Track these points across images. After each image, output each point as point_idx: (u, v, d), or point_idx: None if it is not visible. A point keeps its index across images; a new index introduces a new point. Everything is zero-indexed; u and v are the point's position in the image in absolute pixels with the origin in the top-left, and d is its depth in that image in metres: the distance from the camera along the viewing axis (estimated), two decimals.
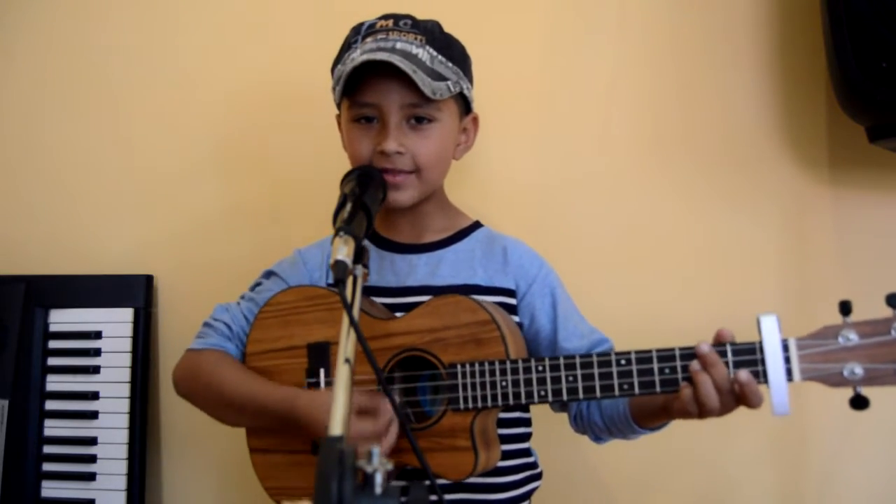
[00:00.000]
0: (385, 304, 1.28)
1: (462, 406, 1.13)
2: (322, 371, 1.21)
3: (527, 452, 1.32)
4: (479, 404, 1.13)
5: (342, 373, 0.83)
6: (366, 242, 1.06)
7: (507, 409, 1.21)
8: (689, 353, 1.06)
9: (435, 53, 1.23)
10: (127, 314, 1.72)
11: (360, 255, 1.02)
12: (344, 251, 0.97)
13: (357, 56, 1.20)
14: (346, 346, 0.87)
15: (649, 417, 1.20)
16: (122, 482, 1.66)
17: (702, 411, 1.06)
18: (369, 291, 1.28)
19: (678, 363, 1.07)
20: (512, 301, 1.29)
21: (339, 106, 1.31)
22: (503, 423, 1.25)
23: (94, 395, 1.69)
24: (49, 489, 1.68)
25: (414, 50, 1.22)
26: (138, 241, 1.82)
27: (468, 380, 1.13)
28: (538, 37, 1.67)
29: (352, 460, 0.65)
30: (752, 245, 1.57)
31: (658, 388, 1.08)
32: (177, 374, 1.32)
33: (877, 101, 1.34)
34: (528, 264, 1.31)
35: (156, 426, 1.76)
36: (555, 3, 1.66)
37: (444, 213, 1.36)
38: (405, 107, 1.22)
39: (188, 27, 1.82)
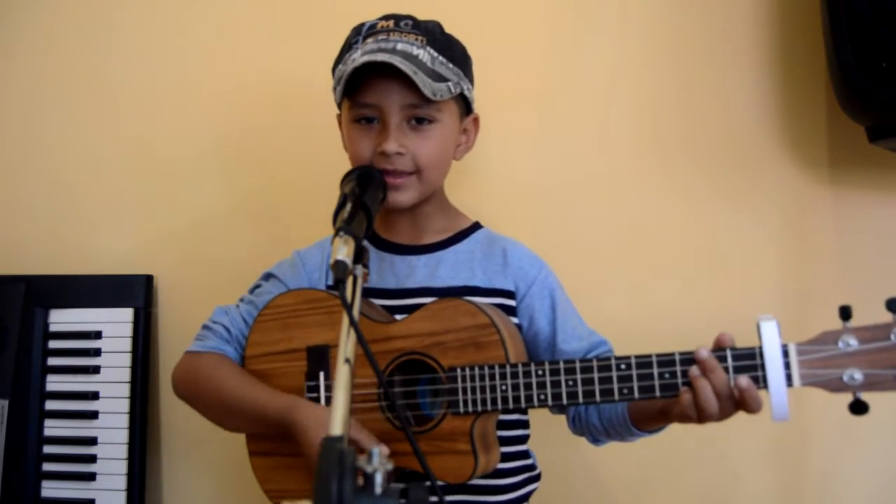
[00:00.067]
0: (384, 306, 1.28)
1: (462, 410, 1.13)
2: (321, 374, 1.20)
3: (525, 454, 1.32)
4: (479, 408, 1.13)
5: (342, 373, 0.83)
6: (365, 243, 1.06)
7: (506, 412, 1.21)
8: (689, 359, 1.06)
9: (436, 54, 1.23)
10: (127, 314, 1.72)
11: (360, 255, 1.02)
12: (344, 251, 0.97)
13: (358, 56, 1.20)
14: (347, 346, 0.87)
15: (648, 420, 1.20)
16: (122, 482, 1.66)
17: (701, 416, 1.06)
18: (369, 293, 1.28)
19: (678, 368, 1.07)
20: (511, 303, 1.29)
21: (339, 106, 1.31)
22: (502, 425, 1.25)
23: (94, 395, 1.69)
24: (49, 489, 1.68)
25: (415, 51, 1.22)
26: (138, 240, 1.82)
27: (468, 383, 1.13)
28: (538, 37, 1.67)
29: (352, 460, 0.65)
30: (752, 245, 1.57)
31: (658, 393, 1.07)
32: (176, 377, 1.32)
33: (877, 101, 1.34)
34: (527, 266, 1.31)
35: (156, 426, 1.76)
36: (555, 3, 1.66)
37: (443, 214, 1.36)
38: (406, 107, 1.22)
39: (188, 27, 1.82)
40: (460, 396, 1.13)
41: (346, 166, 1.25)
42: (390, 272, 1.31)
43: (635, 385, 1.08)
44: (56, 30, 1.88)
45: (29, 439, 1.68)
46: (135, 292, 1.73)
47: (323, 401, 1.20)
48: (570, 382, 1.10)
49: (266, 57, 1.77)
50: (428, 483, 0.80)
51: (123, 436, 1.67)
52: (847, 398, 1.01)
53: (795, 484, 1.54)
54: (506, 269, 1.30)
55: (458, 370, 1.14)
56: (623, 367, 1.08)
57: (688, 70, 1.61)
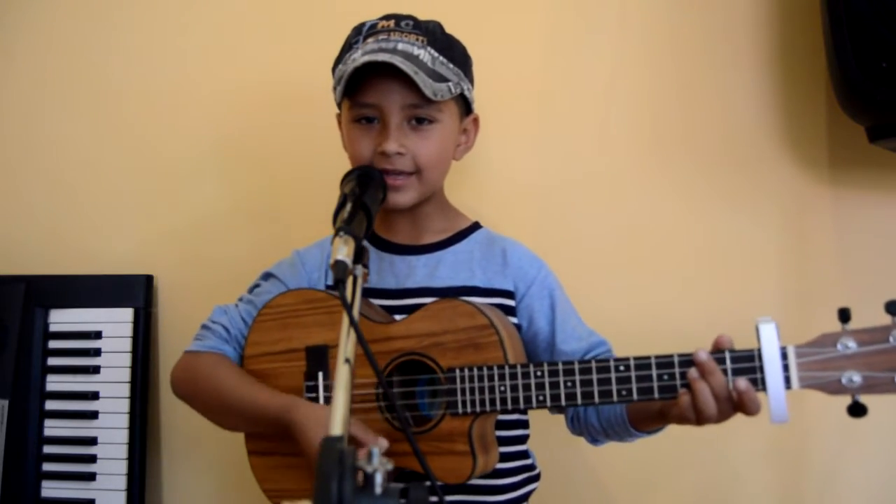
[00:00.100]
0: (384, 306, 1.28)
1: (460, 410, 1.13)
2: (320, 374, 1.20)
3: (525, 454, 1.32)
4: (478, 409, 1.12)
5: (342, 373, 0.83)
6: (365, 243, 1.06)
7: (505, 412, 1.21)
8: (688, 360, 1.06)
9: (436, 54, 1.23)
10: (127, 314, 1.72)
11: (360, 255, 1.02)
12: (344, 251, 0.97)
13: (358, 56, 1.20)
14: (346, 346, 0.87)
15: (646, 421, 1.20)
16: (122, 482, 1.66)
17: (699, 418, 1.06)
18: (368, 293, 1.28)
19: (676, 370, 1.07)
20: (510, 303, 1.29)
21: (339, 106, 1.31)
22: (501, 425, 1.25)
23: (94, 395, 1.69)
24: (49, 489, 1.68)
25: (415, 51, 1.22)
26: (138, 240, 1.82)
27: (467, 384, 1.13)
28: (538, 37, 1.67)
29: (352, 460, 0.65)
30: (752, 245, 1.57)
31: (656, 395, 1.07)
32: (175, 376, 1.32)
33: (877, 101, 1.34)
34: (526, 266, 1.30)
35: (156, 426, 1.76)
36: (555, 3, 1.66)
37: (443, 214, 1.36)
38: (406, 108, 1.22)
39: (188, 27, 1.82)
40: (459, 397, 1.13)
41: (346, 166, 1.25)
42: (390, 272, 1.31)
43: (634, 387, 1.08)
44: (56, 30, 1.88)
45: (29, 439, 1.68)
46: (135, 292, 1.73)
47: (322, 401, 1.20)
48: (569, 384, 1.10)
49: (266, 57, 1.77)
50: (428, 483, 0.80)
51: (123, 436, 1.67)
52: (846, 401, 1.01)
53: (795, 484, 1.54)
54: (505, 270, 1.30)
55: (457, 371, 1.14)
56: (622, 368, 1.08)
57: (688, 70, 1.61)
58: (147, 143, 1.83)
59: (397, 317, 1.23)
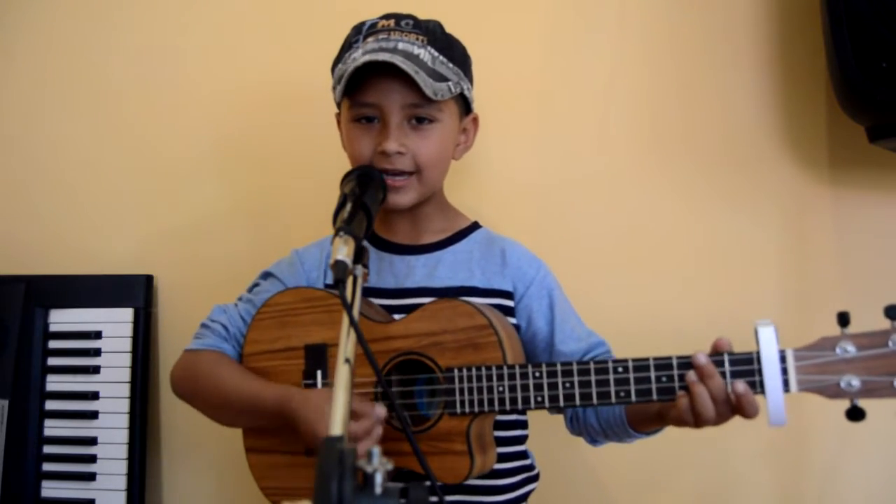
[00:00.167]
0: (383, 306, 1.28)
1: (459, 410, 1.13)
2: (319, 373, 1.21)
3: (524, 455, 1.32)
4: (476, 409, 1.12)
5: (342, 373, 0.83)
6: (365, 243, 1.06)
7: (503, 413, 1.21)
8: (686, 363, 1.06)
9: (436, 54, 1.23)
10: (127, 314, 1.72)
11: (359, 255, 1.02)
12: (344, 251, 0.97)
13: (359, 56, 1.20)
14: (346, 346, 0.87)
15: (645, 422, 1.20)
16: (122, 482, 1.66)
17: (698, 421, 1.06)
18: (368, 293, 1.28)
19: (675, 372, 1.07)
20: (509, 303, 1.29)
21: (339, 105, 1.31)
22: (499, 425, 1.25)
23: (94, 395, 1.69)
24: (49, 489, 1.68)
25: (415, 50, 1.22)
26: (138, 240, 1.82)
27: (465, 384, 1.13)
28: (538, 37, 1.67)
29: (352, 460, 0.65)
30: (752, 245, 1.57)
31: (655, 397, 1.07)
32: (174, 375, 1.32)
33: (877, 101, 1.34)
34: (526, 266, 1.30)
35: (156, 426, 1.76)
36: (555, 3, 1.66)
37: (443, 214, 1.36)
38: (406, 107, 1.22)
39: (188, 27, 1.83)
40: (457, 397, 1.13)
41: (346, 166, 1.25)
42: (389, 272, 1.31)
43: (632, 388, 1.08)
44: (56, 30, 1.88)
45: (29, 439, 1.68)
46: (135, 292, 1.73)
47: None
48: (568, 385, 1.10)
49: (266, 57, 1.78)
50: (427, 483, 0.80)
51: (123, 436, 1.67)
52: (844, 404, 1.01)
53: (795, 484, 1.54)
54: (504, 270, 1.30)
55: (456, 371, 1.14)
56: (620, 370, 1.08)
57: (688, 70, 1.61)
58: (147, 143, 1.83)
59: (396, 316, 1.23)
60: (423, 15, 1.29)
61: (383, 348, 1.17)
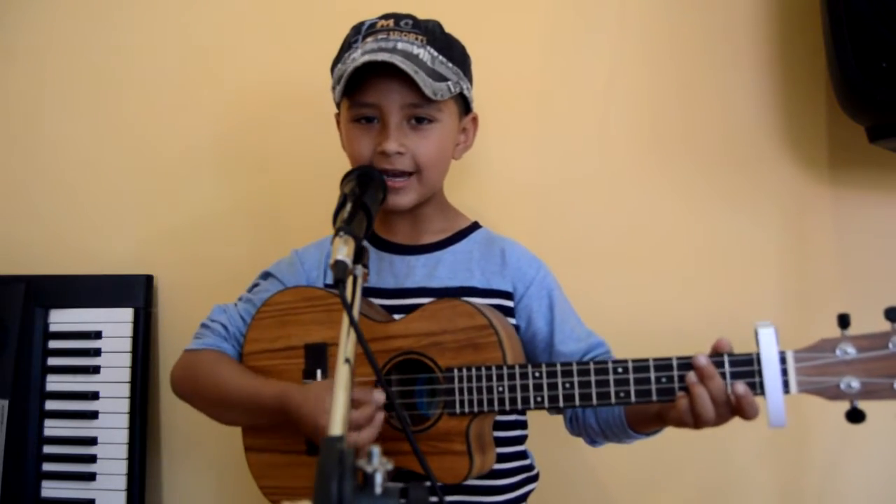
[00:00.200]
0: (383, 306, 1.28)
1: (458, 410, 1.13)
2: (319, 372, 1.21)
3: (523, 455, 1.32)
4: (476, 409, 1.12)
5: (342, 373, 0.83)
6: (365, 243, 1.06)
7: (503, 413, 1.21)
8: (686, 363, 1.06)
9: (436, 54, 1.23)
10: (127, 314, 1.72)
11: (359, 255, 1.02)
12: (344, 251, 0.97)
13: (358, 56, 1.20)
14: (346, 346, 0.87)
15: (644, 423, 1.20)
16: (122, 482, 1.66)
17: (697, 422, 1.06)
18: (368, 293, 1.28)
19: (675, 373, 1.06)
20: (509, 303, 1.29)
21: (338, 105, 1.31)
22: (499, 425, 1.25)
23: (94, 395, 1.69)
24: (49, 489, 1.68)
25: (415, 50, 1.22)
26: (138, 240, 1.82)
27: (465, 384, 1.13)
28: (538, 36, 1.67)
29: (352, 460, 0.65)
30: (752, 245, 1.57)
31: (654, 397, 1.07)
32: (174, 375, 1.32)
33: (877, 101, 1.34)
34: (525, 266, 1.30)
35: (156, 426, 1.76)
36: (555, 3, 1.66)
37: (442, 214, 1.36)
38: (406, 107, 1.22)
39: (188, 27, 1.83)
40: (457, 397, 1.13)
41: (346, 166, 1.25)
42: (389, 272, 1.31)
43: (632, 389, 1.08)
44: (56, 30, 1.88)
45: (29, 439, 1.68)
46: (135, 292, 1.73)
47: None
48: (567, 385, 1.10)
49: (266, 57, 1.78)
50: (427, 483, 0.80)
51: (123, 436, 1.67)
52: (844, 406, 1.01)
53: (796, 483, 1.54)
54: (504, 270, 1.30)
55: (455, 371, 1.14)
56: (620, 370, 1.08)
57: (688, 70, 1.61)
58: (147, 143, 1.83)
59: (396, 316, 1.23)
60: (423, 15, 1.29)
61: (383, 348, 1.17)
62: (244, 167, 1.79)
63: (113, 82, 1.85)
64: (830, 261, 1.54)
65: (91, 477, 1.66)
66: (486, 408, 1.12)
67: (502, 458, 1.25)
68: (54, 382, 1.71)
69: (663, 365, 1.07)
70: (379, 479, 0.66)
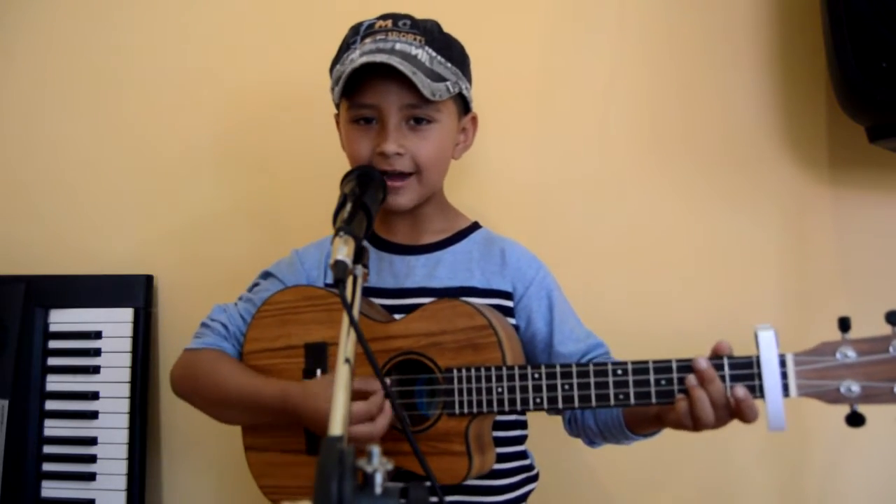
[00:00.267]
0: (383, 306, 1.28)
1: (457, 411, 1.13)
2: (319, 371, 1.21)
3: (523, 455, 1.32)
4: (475, 409, 1.12)
5: (342, 373, 0.83)
6: (365, 243, 1.06)
7: (502, 414, 1.21)
8: (686, 366, 1.06)
9: (434, 54, 1.23)
10: (127, 314, 1.72)
11: (359, 255, 1.02)
12: (344, 251, 0.97)
13: (356, 57, 1.20)
14: (346, 346, 0.87)
15: (643, 424, 1.19)
16: (122, 482, 1.66)
17: (696, 425, 1.06)
18: (368, 293, 1.28)
19: (674, 375, 1.06)
20: (509, 303, 1.29)
21: (337, 106, 1.31)
22: (499, 425, 1.25)
23: (94, 395, 1.69)
24: (49, 489, 1.68)
25: (413, 51, 1.22)
26: (138, 240, 1.82)
27: (464, 385, 1.13)
28: (537, 36, 1.67)
29: (352, 460, 0.65)
30: (752, 245, 1.57)
31: (654, 400, 1.07)
32: (174, 374, 1.32)
33: (877, 101, 1.34)
34: (525, 267, 1.30)
35: (156, 426, 1.76)
36: (554, 3, 1.66)
37: (442, 214, 1.36)
38: (404, 108, 1.22)
39: (188, 27, 1.83)
40: (456, 397, 1.13)
41: (346, 166, 1.25)
42: (389, 272, 1.31)
43: (631, 391, 1.08)
44: (56, 30, 1.89)
45: (29, 439, 1.68)
46: (135, 292, 1.73)
47: None
48: (567, 387, 1.10)
49: (266, 57, 1.78)
50: (427, 482, 0.80)
51: (123, 436, 1.67)
52: (844, 409, 1.01)
53: (796, 483, 1.54)
54: (504, 270, 1.30)
55: (455, 371, 1.14)
56: (619, 372, 1.08)
57: (687, 70, 1.61)
58: (147, 143, 1.83)
59: (396, 317, 1.23)
60: (422, 14, 1.29)
61: (383, 348, 1.17)
62: (244, 167, 1.79)
63: (113, 82, 1.85)
64: (830, 261, 1.54)
65: (91, 477, 1.66)
66: (485, 408, 1.12)
67: (502, 458, 1.24)
68: (54, 382, 1.71)
69: (662, 367, 1.07)
70: (379, 479, 0.66)
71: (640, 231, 1.60)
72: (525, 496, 1.31)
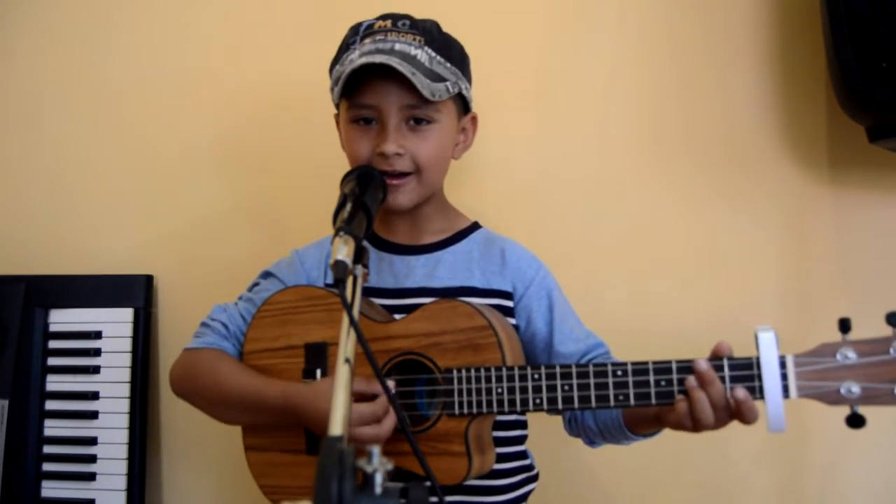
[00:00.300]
0: (383, 306, 1.28)
1: (457, 411, 1.13)
2: (319, 371, 1.21)
3: (523, 455, 1.32)
4: (475, 410, 1.12)
5: (342, 373, 0.83)
6: (365, 243, 1.06)
7: (502, 414, 1.21)
8: (686, 367, 1.06)
9: (433, 54, 1.23)
10: (127, 314, 1.72)
11: (359, 255, 1.02)
12: (344, 251, 0.97)
13: (356, 58, 1.20)
14: (346, 346, 0.87)
15: (642, 425, 1.19)
16: (122, 482, 1.66)
17: (696, 426, 1.06)
18: (367, 293, 1.28)
19: (674, 376, 1.06)
20: (509, 303, 1.29)
21: (337, 106, 1.31)
22: (499, 425, 1.25)
23: (94, 395, 1.69)
24: (49, 489, 1.68)
25: (412, 51, 1.22)
26: (138, 240, 1.82)
27: (464, 385, 1.13)
28: (537, 36, 1.67)
29: (352, 460, 0.65)
30: (752, 245, 1.57)
31: (653, 400, 1.07)
32: (174, 373, 1.32)
33: (877, 101, 1.34)
34: (525, 267, 1.30)
35: (156, 426, 1.76)
36: (554, 3, 1.66)
37: (442, 214, 1.36)
38: (404, 108, 1.22)
39: (188, 27, 1.83)
40: (456, 398, 1.13)
41: (346, 166, 1.25)
42: (389, 272, 1.31)
43: (631, 392, 1.07)
44: (56, 30, 1.89)
45: (29, 439, 1.68)
46: (135, 292, 1.73)
47: None
48: (566, 387, 1.10)
49: (266, 57, 1.78)
50: (427, 482, 0.80)
51: (123, 436, 1.67)
52: (844, 410, 1.01)
53: (796, 484, 1.54)
54: (504, 270, 1.30)
55: (455, 371, 1.14)
56: (619, 373, 1.08)
57: (687, 70, 1.61)
58: (147, 143, 1.83)
59: (397, 317, 1.23)
60: (422, 14, 1.29)
61: (383, 348, 1.17)
62: (244, 167, 1.79)
63: (113, 82, 1.85)
64: (830, 261, 1.54)
65: (91, 477, 1.66)
66: (485, 409, 1.12)
67: (502, 457, 1.24)
68: (54, 382, 1.71)
69: (662, 368, 1.07)
70: (379, 479, 0.66)
71: (640, 231, 1.60)
72: (525, 496, 1.31)
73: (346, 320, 0.89)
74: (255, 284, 1.36)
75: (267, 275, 1.36)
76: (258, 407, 1.21)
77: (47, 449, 1.69)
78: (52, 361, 1.72)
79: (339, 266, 0.94)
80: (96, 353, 1.70)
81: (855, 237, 1.54)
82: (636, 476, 1.58)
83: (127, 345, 1.70)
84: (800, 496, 1.54)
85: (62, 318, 1.74)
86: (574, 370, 1.10)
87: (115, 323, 1.72)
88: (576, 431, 1.30)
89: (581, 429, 1.28)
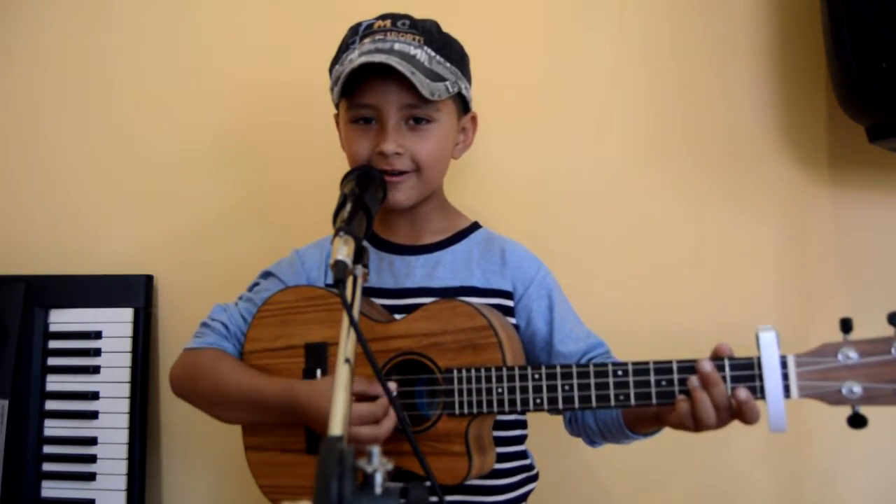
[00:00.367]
0: (383, 306, 1.28)
1: (457, 411, 1.13)
2: (319, 371, 1.21)
3: (523, 454, 1.32)
4: (475, 410, 1.12)
5: (342, 373, 0.83)
6: (365, 243, 1.06)
7: (502, 414, 1.21)
8: (687, 367, 1.06)
9: (433, 54, 1.23)
10: (127, 314, 1.72)
11: (360, 255, 1.02)
12: (344, 251, 0.97)
13: (355, 57, 1.20)
14: (346, 346, 0.87)
15: (642, 424, 1.19)
16: (122, 482, 1.66)
17: (698, 426, 1.06)
18: (367, 293, 1.28)
19: (675, 376, 1.06)
20: (509, 303, 1.29)
21: (337, 106, 1.31)
22: (499, 425, 1.25)
23: (94, 395, 1.69)
24: (49, 489, 1.68)
25: (412, 51, 1.22)
26: (138, 241, 1.82)
27: (464, 385, 1.13)
28: (538, 36, 1.67)
29: (352, 460, 0.65)
30: (751, 245, 1.57)
31: (654, 400, 1.07)
32: (174, 373, 1.32)
33: (877, 101, 1.34)
34: (525, 266, 1.30)
35: (156, 426, 1.76)
36: (554, 3, 1.66)
37: (442, 214, 1.36)
38: (403, 108, 1.22)
39: (188, 27, 1.83)
40: (456, 398, 1.13)
41: (346, 166, 1.25)
42: (389, 272, 1.31)
43: (631, 392, 1.07)
44: (56, 30, 1.88)
45: (29, 439, 1.68)
46: (135, 292, 1.73)
47: None
48: (567, 387, 1.10)
49: (266, 57, 1.78)
50: (427, 482, 0.80)
51: (123, 436, 1.67)
52: (846, 411, 1.01)
53: (796, 484, 1.54)
54: (504, 270, 1.30)
55: (455, 371, 1.13)
56: (620, 373, 1.08)
57: (688, 70, 1.61)
58: (147, 143, 1.83)
59: (397, 317, 1.23)
60: (422, 14, 1.29)
61: (383, 348, 1.17)
62: (244, 167, 1.79)
63: (113, 82, 1.85)
64: (830, 261, 1.54)
65: (91, 477, 1.66)
66: (485, 409, 1.12)
67: (502, 457, 1.24)
68: (54, 382, 1.71)
69: (663, 368, 1.07)
70: (379, 479, 0.66)
71: (640, 231, 1.60)
72: (525, 496, 1.31)
73: (346, 320, 0.89)
74: (256, 284, 1.36)
75: (267, 275, 1.36)
76: (259, 405, 1.21)
77: (47, 449, 1.69)
78: (52, 361, 1.72)
79: (339, 266, 0.95)
80: (96, 353, 1.70)
81: (855, 237, 1.54)
82: (636, 476, 1.58)
83: (127, 345, 1.70)
84: (800, 496, 1.54)
85: (62, 318, 1.74)
86: (574, 370, 1.10)
87: (115, 323, 1.72)
88: (576, 431, 1.30)
89: (581, 428, 1.28)
